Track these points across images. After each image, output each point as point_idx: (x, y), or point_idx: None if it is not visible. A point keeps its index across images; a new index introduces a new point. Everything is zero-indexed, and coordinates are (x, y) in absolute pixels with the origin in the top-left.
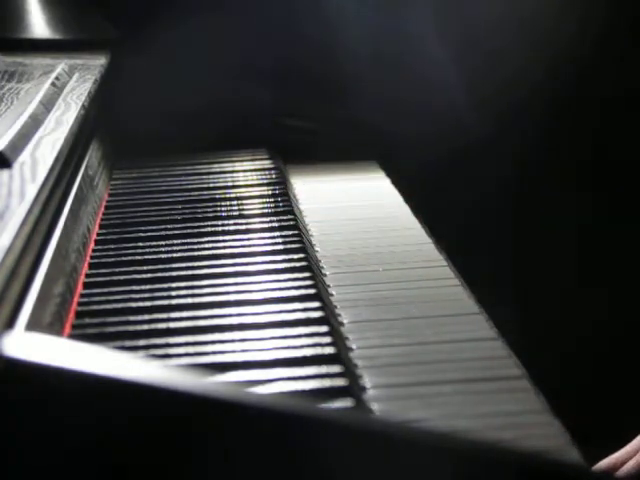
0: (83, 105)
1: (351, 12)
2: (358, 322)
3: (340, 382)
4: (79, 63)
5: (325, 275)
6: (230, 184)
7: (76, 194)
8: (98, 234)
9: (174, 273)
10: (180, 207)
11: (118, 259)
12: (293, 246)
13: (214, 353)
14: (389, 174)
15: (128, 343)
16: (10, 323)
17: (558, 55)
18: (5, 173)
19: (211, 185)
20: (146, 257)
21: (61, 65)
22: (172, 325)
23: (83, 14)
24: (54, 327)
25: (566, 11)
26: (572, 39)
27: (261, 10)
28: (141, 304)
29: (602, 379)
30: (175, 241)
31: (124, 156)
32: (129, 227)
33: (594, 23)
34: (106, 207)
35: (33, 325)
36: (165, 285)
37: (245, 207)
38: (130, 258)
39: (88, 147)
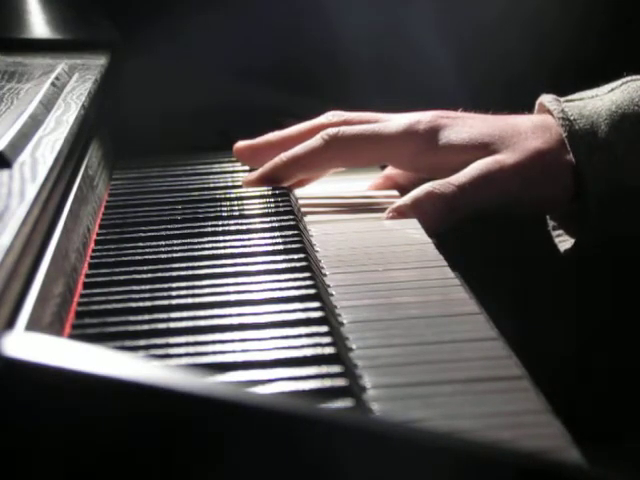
0: (83, 105)
1: (352, 12)
2: (358, 322)
3: (340, 382)
4: (79, 63)
5: (325, 275)
6: (230, 184)
7: (76, 194)
8: (98, 234)
9: (174, 273)
10: (180, 207)
11: (118, 259)
12: (293, 246)
13: (214, 353)
14: None
15: (128, 343)
16: (10, 323)
17: (561, 58)
18: (5, 173)
19: (211, 185)
20: (146, 257)
21: (61, 65)
22: (172, 325)
23: (83, 14)
24: (54, 327)
25: (567, 12)
26: (574, 40)
27: (261, 10)
28: (141, 304)
29: (602, 379)
30: (175, 241)
31: (124, 156)
32: (129, 227)
33: (596, 24)
34: (106, 207)
35: (33, 325)
36: (165, 285)
37: (245, 207)
38: (130, 258)
39: (88, 147)
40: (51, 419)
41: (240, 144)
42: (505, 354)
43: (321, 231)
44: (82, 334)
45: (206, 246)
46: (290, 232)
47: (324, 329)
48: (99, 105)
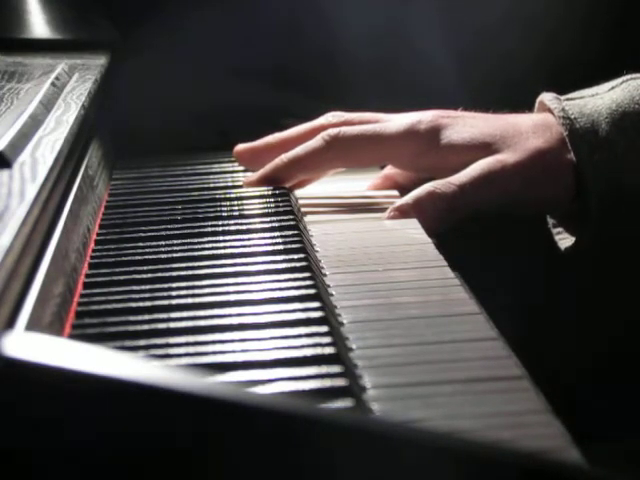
0: (83, 105)
1: (352, 12)
2: (358, 322)
3: (340, 382)
4: (79, 63)
5: (325, 275)
6: (230, 184)
7: (76, 194)
8: (98, 234)
9: (174, 273)
10: (180, 207)
11: (118, 259)
12: (293, 246)
13: (214, 353)
14: None
15: (128, 343)
16: (10, 323)
17: (563, 59)
18: (5, 173)
19: (211, 185)
20: (146, 257)
21: (61, 65)
22: (172, 325)
23: (83, 14)
24: (54, 327)
25: (569, 11)
26: (575, 40)
27: (261, 10)
28: (141, 304)
29: (602, 379)
30: (175, 241)
31: (124, 156)
32: (129, 227)
33: (598, 23)
34: (106, 207)
35: (33, 325)
36: (165, 285)
37: (245, 207)
38: (130, 258)
39: (88, 147)
40: (51, 419)
41: (240, 147)
42: (505, 354)
43: (321, 231)
44: (82, 334)
45: (206, 246)
46: (290, 232)
47: (324, 329)
48: (99, 105)
